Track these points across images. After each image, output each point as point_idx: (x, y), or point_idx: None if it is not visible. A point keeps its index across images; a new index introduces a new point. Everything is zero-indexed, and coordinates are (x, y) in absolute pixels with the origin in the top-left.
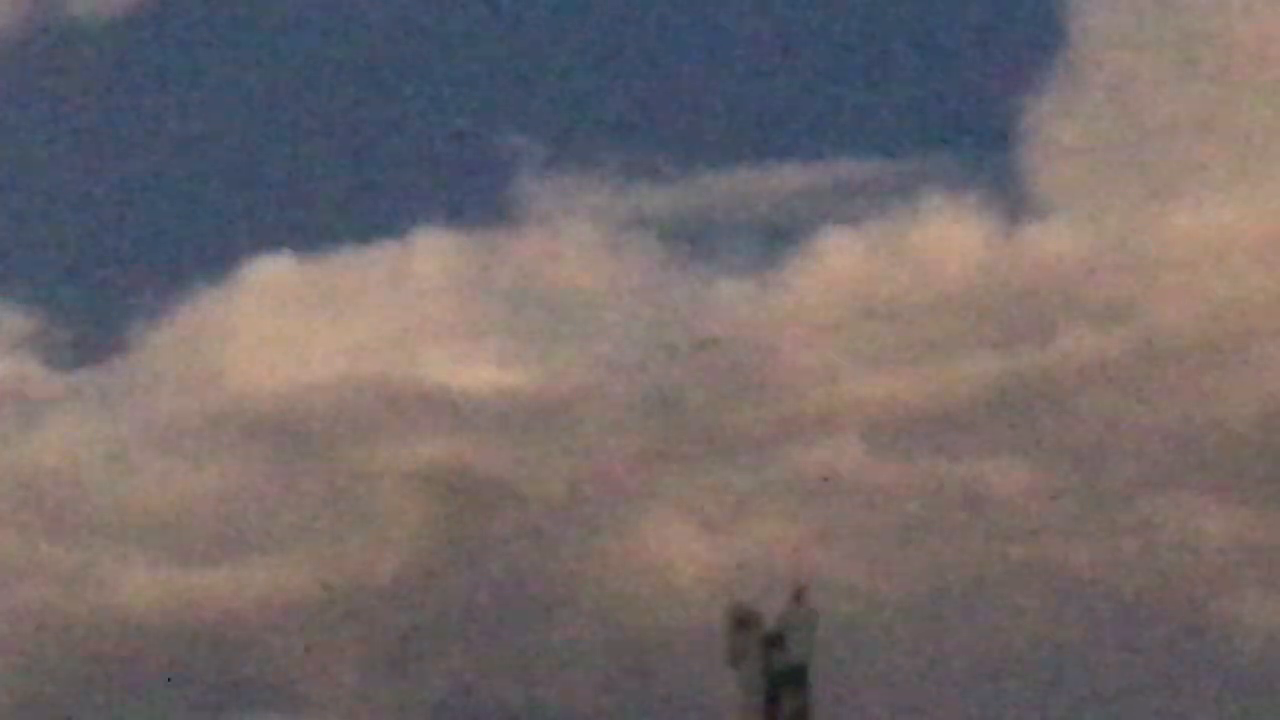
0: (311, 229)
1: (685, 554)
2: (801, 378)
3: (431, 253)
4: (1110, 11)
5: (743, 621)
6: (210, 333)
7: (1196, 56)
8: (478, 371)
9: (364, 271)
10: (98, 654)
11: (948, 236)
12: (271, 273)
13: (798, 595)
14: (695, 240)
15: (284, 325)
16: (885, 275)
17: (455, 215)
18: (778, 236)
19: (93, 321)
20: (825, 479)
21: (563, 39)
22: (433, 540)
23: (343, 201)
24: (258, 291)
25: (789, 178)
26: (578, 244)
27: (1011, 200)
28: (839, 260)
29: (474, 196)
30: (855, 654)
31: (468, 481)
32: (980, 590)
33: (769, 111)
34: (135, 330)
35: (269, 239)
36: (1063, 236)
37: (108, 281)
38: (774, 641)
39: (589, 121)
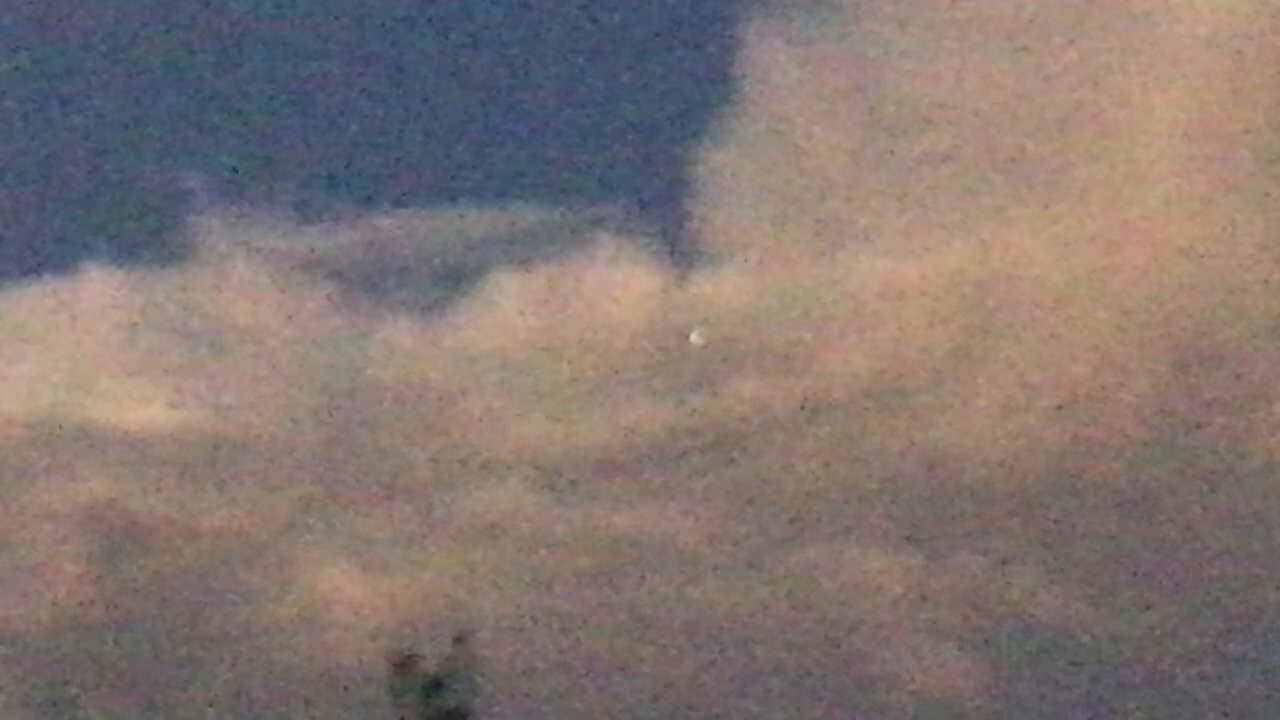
0: None
1: (349, 596)
2: (470, 421)
3: (101, 289)
4: (783, 64)
5: (404, 665)
6: None
7: (868, 110)
8: (146, 411)
9: (31, 307)
10: None
11: (619, 283)
12: None
13: (460, 639)
14: (367, 281)
15: None
16: (556, 320)
17: (125, 252)
18: (450, 279)
19: None
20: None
21: (237, 77)
22: (94, 581)
23: (9, 236)
24: None
25: (462, 221)
26: (250, 283)
27: (683, 248)
28: (510, 304)
29: (144, 233)
30: (518, 698)
31: (132, 522)
32: (645, 635)
33: (443, 155)
34: None
35: None
36: (734, 286)
37: None
38: (435, 685)
39: (262, 160)
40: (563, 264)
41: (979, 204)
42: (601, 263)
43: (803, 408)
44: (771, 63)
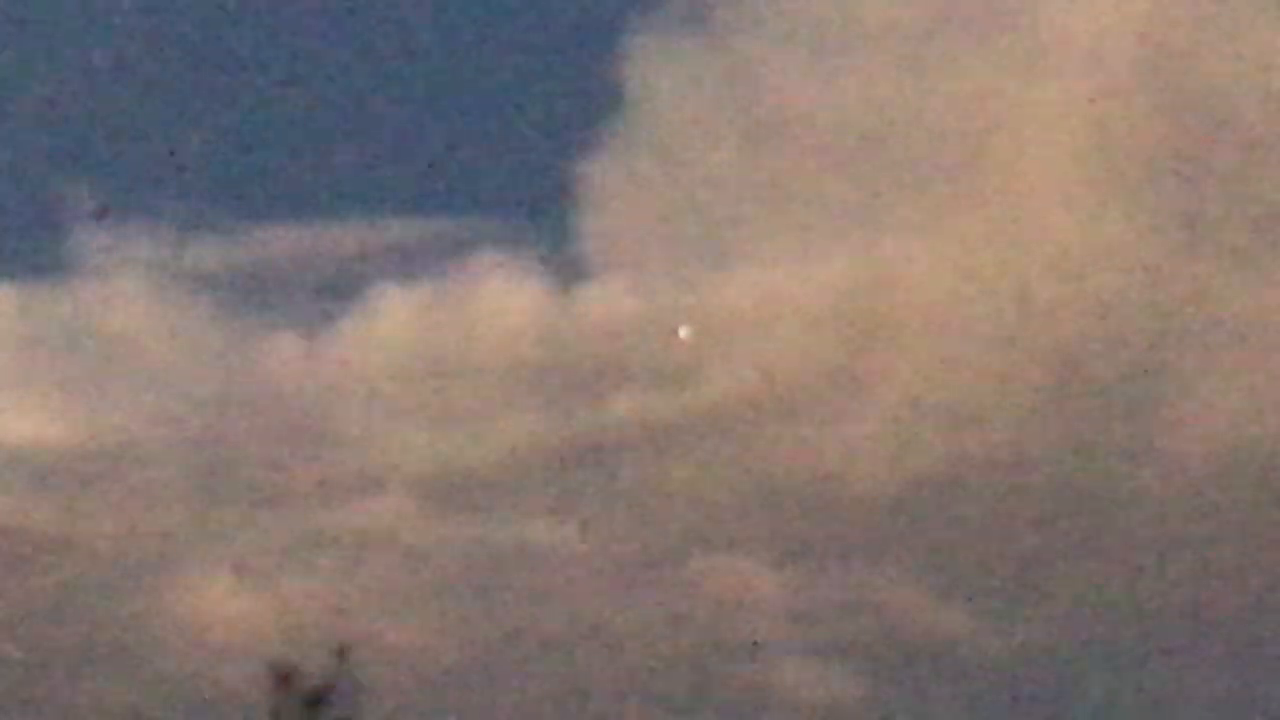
0: None
1: (228, 611)
2: (352, 434)
3: None
4: (666, 75)
5: (284, 679)
6: None
7: (753, 121)
8: (24, 424)
9: None
10: None
11: (502, 297)
12: None
13: (341, 654)
14: (249, 295)
15: None
16: (438, 334)
17: (4, 265)
18: (332, 293)
19: None
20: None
21: (119, 85)
22: None
23: None
24: None
25: (344, 235)
26: (130, 296)
27: (566, 262)
28: (392, 318)
29: (23, 245)
30: (400, 714)
31: (8, 537)
32: (528, 650)
33: (325, 167)
34: None
35: None
36: (617, 299)
37: None
38: (315, 700)
39: (143, 171)
40: (445, 277)
41: (863, 217)
42: (484, 276)
43: (686, 421)
44: (654, 76)
